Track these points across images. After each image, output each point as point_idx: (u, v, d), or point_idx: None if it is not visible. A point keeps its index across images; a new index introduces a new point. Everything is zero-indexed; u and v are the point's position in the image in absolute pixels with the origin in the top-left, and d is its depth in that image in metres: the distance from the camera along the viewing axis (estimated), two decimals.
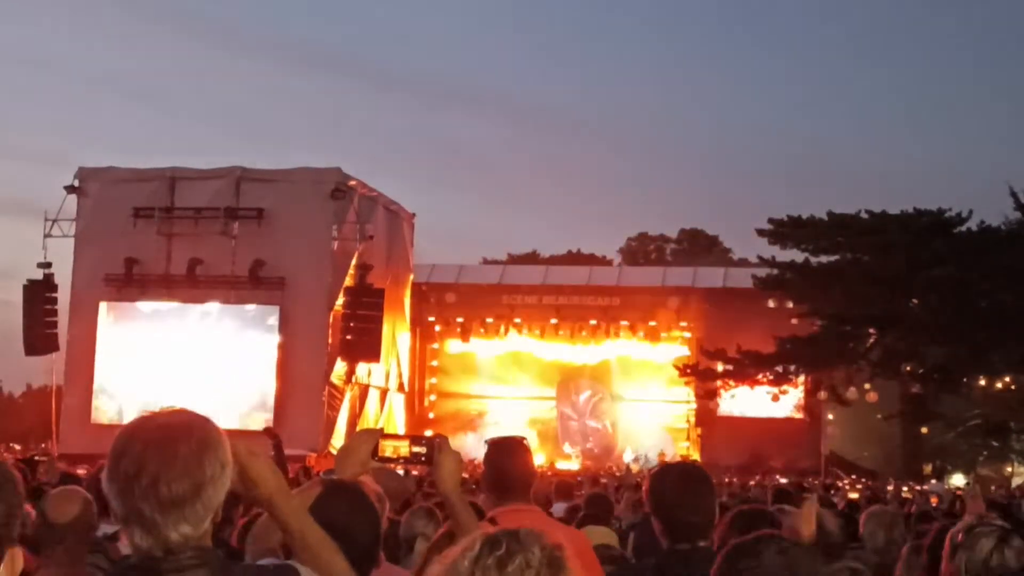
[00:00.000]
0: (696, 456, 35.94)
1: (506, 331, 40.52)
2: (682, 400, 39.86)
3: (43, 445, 32.99)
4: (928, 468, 37.39)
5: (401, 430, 36.02)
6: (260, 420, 29.51)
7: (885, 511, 6.20)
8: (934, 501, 13.66)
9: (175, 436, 2.21)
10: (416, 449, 3.17)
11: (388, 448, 3.16)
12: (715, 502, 3.63)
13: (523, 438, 4.45)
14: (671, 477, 3.71)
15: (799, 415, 37.41)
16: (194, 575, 2.13)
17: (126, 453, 2.19)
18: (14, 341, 32.88)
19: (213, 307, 31.49)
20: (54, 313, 32.56)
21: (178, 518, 2.15)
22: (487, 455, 4.16)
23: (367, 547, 3.02)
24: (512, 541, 1.91)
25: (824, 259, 37.38)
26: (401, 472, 8.39)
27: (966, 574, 3.17)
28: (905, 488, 23.33)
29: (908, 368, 36.21)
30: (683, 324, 39.33)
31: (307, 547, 2.45)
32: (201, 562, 2.15)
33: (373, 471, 3.22)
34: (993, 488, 28.71)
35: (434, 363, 42.10)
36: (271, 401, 30.67)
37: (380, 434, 3.19)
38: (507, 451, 4.19)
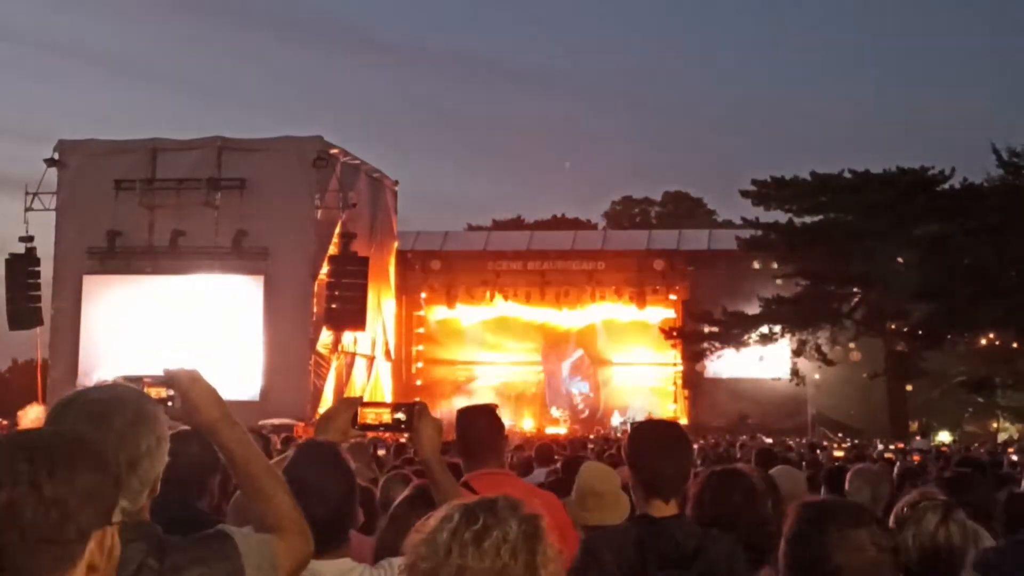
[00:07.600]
0: (684, 418, 36.10)
1: (492, 297, 40.54)
2: (669, 363, 39.98)
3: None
4: (914, 426, 37.55)
5: (388, 397, 36.09)
6: (247, 391, 29.58)
7: (871, 468, 6.29)
8: (916, 459, 13.74)
9: (109, 410, 2.17)
10: (397, 416, 3.18)
11: (370, 415, 3.17)
12: (690, 460, 3.67)
13: (495, 405, 4.48)
14: (650, 431, 3.76)
15: (785, 376, 37.59)
16: (132, 549, 2.08)
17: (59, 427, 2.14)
18: None
19: (197, 278, 31.38)
20: (37, 287, 32.43)
21: None
22: (457, 422, 4.23)
23: (342, 505, 2.99)
24: (489, 515, 1.89)
25: (808, 219, 37.47)
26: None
27: (913, 549, 3.21)
28: (892, 447, 23.45)
29: (892, 326, 36.38)
30: (668, 287, 39.38)
31: (250, 477, 2.39)
32: (138, 536, 2.11)
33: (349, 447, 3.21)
34: (976, 445, 28.91)
35: (420, 330, 42.13)
36: (258, 371, 30.66)
37: (359, 402, 3.19)
38: (476, 417, 4.24)
